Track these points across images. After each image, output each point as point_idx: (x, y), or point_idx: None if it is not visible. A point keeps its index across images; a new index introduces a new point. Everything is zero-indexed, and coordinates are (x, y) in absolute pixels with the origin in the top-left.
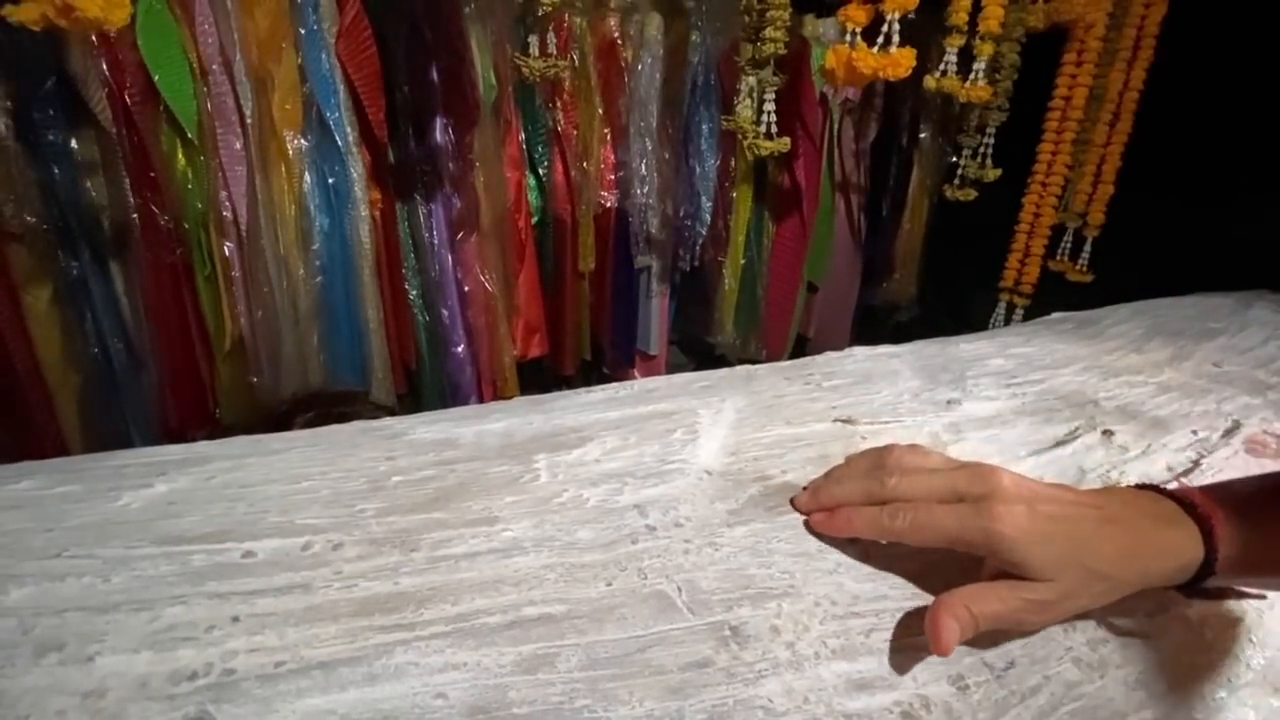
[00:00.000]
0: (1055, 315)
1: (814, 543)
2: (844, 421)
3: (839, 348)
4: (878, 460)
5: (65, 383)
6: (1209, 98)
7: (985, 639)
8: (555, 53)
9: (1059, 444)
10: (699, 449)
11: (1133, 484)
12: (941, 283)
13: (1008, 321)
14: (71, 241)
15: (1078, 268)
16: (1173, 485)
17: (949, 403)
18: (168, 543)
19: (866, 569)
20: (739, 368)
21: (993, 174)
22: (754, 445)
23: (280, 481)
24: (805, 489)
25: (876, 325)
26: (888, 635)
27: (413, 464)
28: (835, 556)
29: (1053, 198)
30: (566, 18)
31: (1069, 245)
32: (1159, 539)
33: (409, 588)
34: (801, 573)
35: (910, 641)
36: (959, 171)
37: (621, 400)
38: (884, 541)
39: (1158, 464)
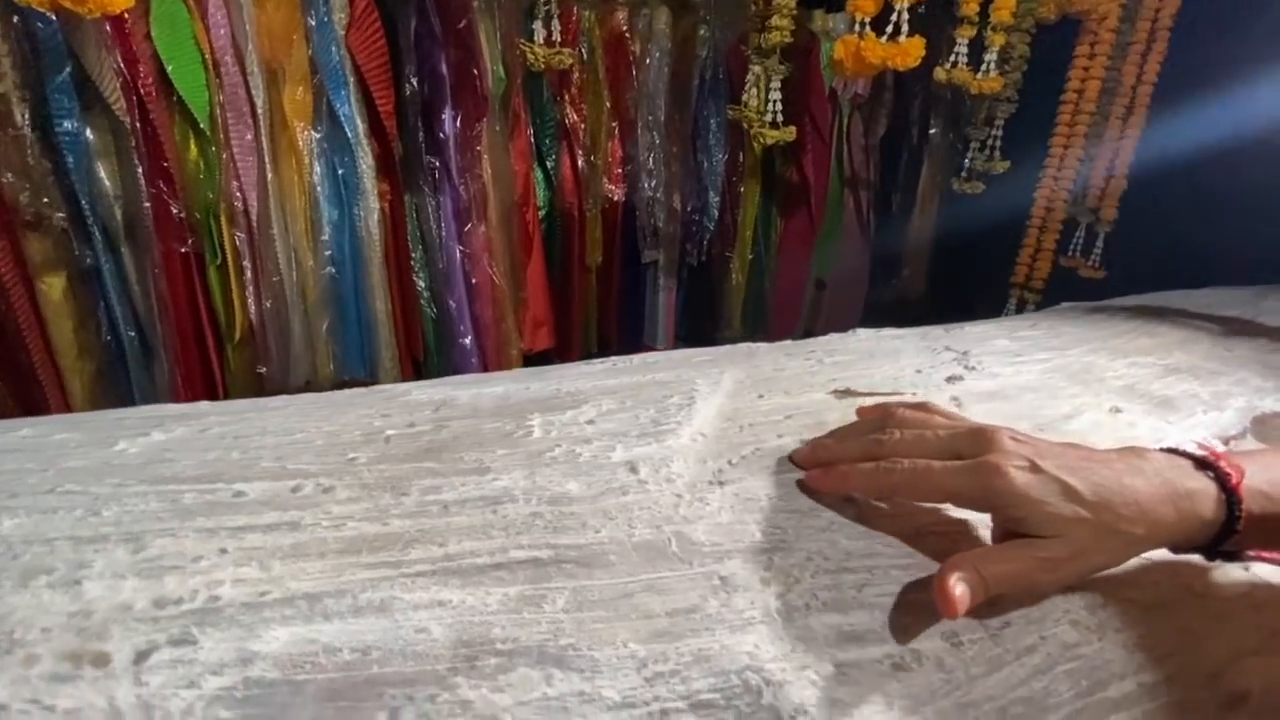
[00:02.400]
0: (1064, 305)
1: (807, 501)
2: (842, 393)
3: None
4: (881, 418)
5: (78, 369)
6: (1223, 91)
7: None
8: (560, 40)
9: (1064, 419)
10: (695, 413)
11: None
12: (951, 279)
13: None
14: (85, 230)
15: (1090, 264)
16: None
17: (950, 378)
18: (160, 482)
19: (860, 528)
20: (741, 345)
21: (1001, 166)
22: (751, 412)
23: (276, 434)
24: (805, 444)
25: (885, 322)
26: (880, 591)
27: (408, 420)
28: (828, 515)
29: (1065, 192)
30: (575, 11)
31: (1081, 241)
32: (1178, 494)
33: (398, 529)
34: (794, 529)
35: (904, 598)
36: (967, 164)
37: (621, 370)
38: (880, 501)
39: (1166, 441)
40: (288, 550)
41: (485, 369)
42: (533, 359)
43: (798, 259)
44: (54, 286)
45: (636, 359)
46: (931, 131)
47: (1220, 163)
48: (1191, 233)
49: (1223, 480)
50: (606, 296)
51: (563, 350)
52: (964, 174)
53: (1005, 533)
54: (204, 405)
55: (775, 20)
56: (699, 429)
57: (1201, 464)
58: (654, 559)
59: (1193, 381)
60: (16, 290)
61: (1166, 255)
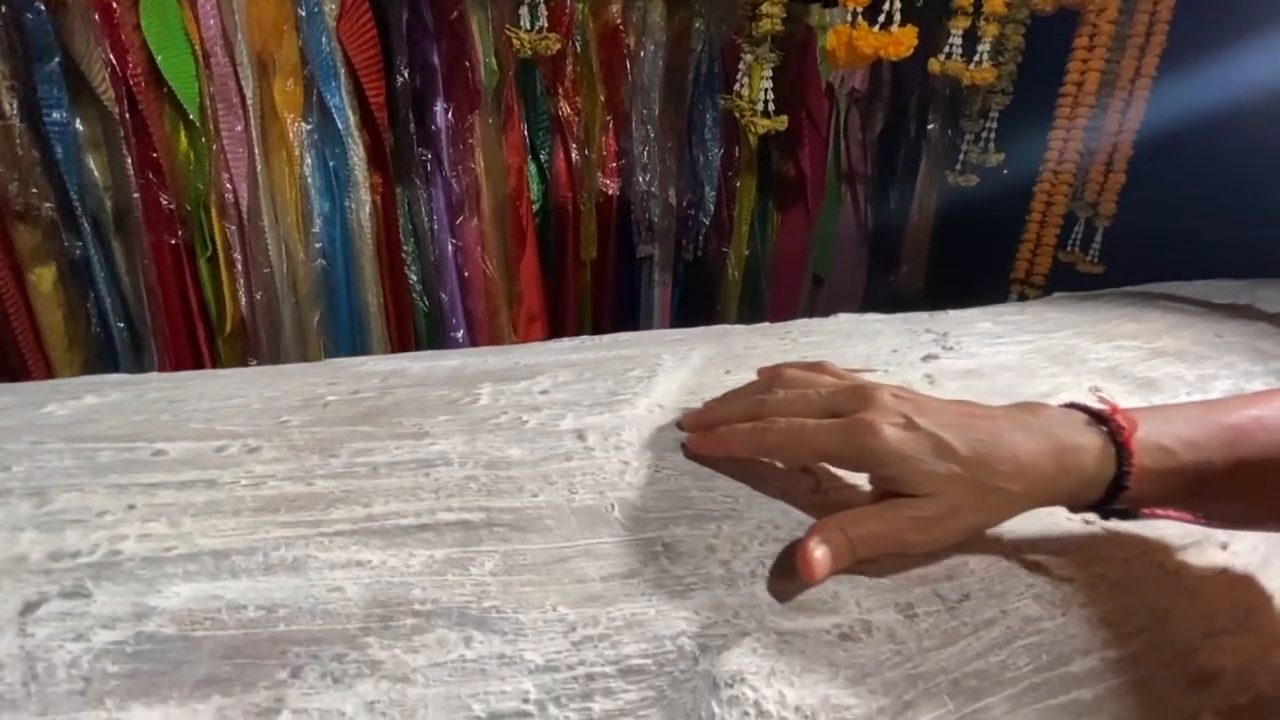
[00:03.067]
0: (1057, 295)
1: (764, 470)
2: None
3: None
4: (770, 378)
5: (68, 361)
6: (1224, 84)
7: (940, 573)
8: (545, 26)
9: (1041, 397)
10: (655, 386)
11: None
12: (951, 275)
13: None
14: (74, 222)
15: (1089, 259)
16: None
17: (926, 357)
18: (78, 440)
19: (816, 498)
20: (717, 326)
21: (995, 158)
22: (715, 387)
23: (213, 399)
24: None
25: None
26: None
27: (353, 388)
28: (783, 483)
29: (1065, 186)
30: (569, 3)
31: (1079, 235)
32: (1062, 450)
33: (322, 489)
34: (745, 497)
35: (858, 568)
36: (961, 157)
37: (588, 347)
38: (762, 459)
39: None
40: (200, 507)
41: None
42: None
43: (794, 254)
44: (43, 277)
45: (607, 337)
46: (930, 127)
47: (1220, 156)
48: (1191, 226)
49: (1115, 434)
50: (601, 291)
51: None
52: (958, 167)
53: (881, 492)
54: (151, 375)
55: (766, 8)
56: (657, 400)
57: (1096, 417)
58: (594, 524)
59: (1178, 364)
60: (6, 281)
61: (1166, 249)
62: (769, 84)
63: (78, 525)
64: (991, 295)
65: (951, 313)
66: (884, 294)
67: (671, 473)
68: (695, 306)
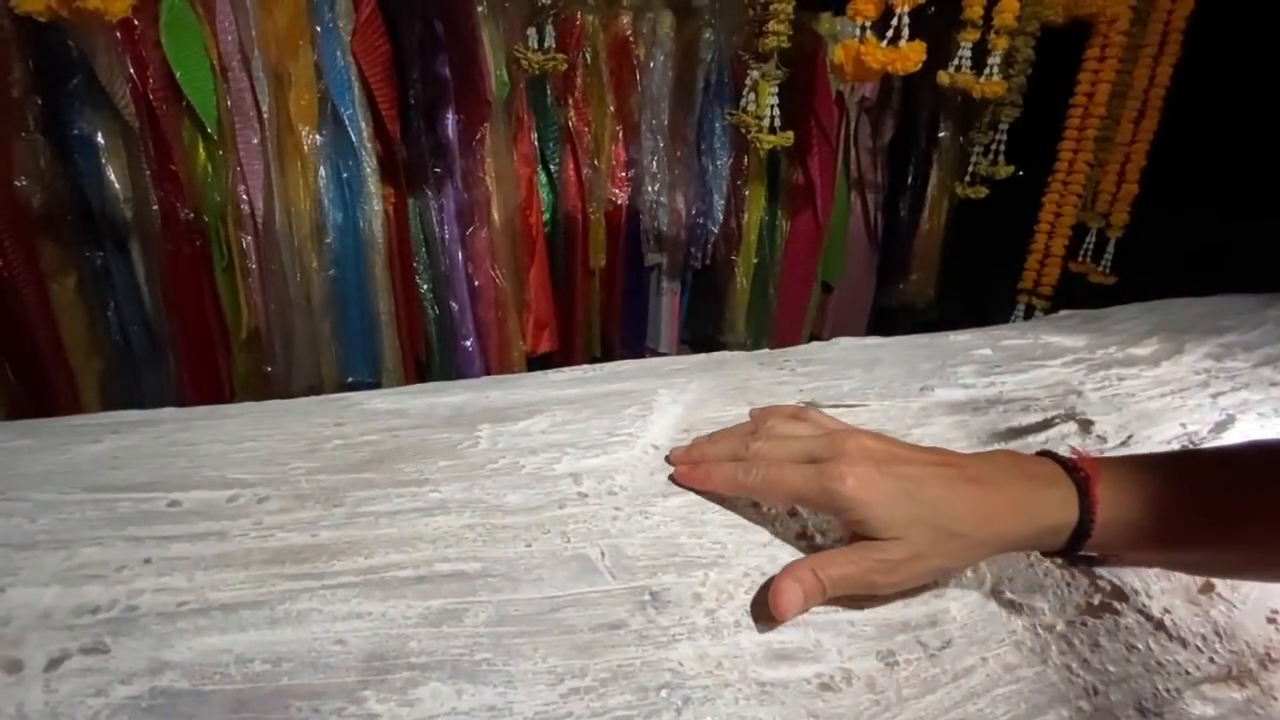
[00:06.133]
0: (1062, 313)
1: (753, 515)
2: (806, 405)
3: None
4: (755, 423)
5: (88, 368)
6: (1237, 95)
7: (923, 618)
8: (554, 46)
9: (1029, 431)
10: (650, 424)
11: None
12: (960, 284)
13: None
14: (95, 232)
15: (1100, 269)
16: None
17: (922, 389)
18: (100, 490)
19: (802, 544)
20: (716, 353)
21: (1005, 171)
22: (709, 425)
23: (225, 441)
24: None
25: (893, 326)
26: (817, 609)
27: (357, 430)
28: (769, 531)
29: (1074, 197)
30: (579, 16)
31: (1091, 246)
32: (1026, 498)
33: (326, 540)
34: (734, 544)
35: (842, 616)
36: (970, 168)
37: (587, 379)
38: (739, 496)
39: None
40: (212, 560)
41: (488, 371)
42: (536, 362)
43: (803, 263)
44: (65, 286)
45: (608, 367)
46: (941, 135)
47: (1233, 166)
48: (1204, 238)
49: (1080, 484)
50: (610, 300)
51: (566, 353)
52: (968, 178)
53: (853, 535)
54: (166, 412)
55: (772, 25)
56: (653, 440)
57: (1063, 466)
58: (584, 574)
59: (1177, 394)
60: (29, 290)
61: (1178, 260)
62: (775, 100)
63: (98, 580)
64: (1002, 304)
65: (952, 336)
66: (893, 302)
67: (662, 519)
68: (703, 314)
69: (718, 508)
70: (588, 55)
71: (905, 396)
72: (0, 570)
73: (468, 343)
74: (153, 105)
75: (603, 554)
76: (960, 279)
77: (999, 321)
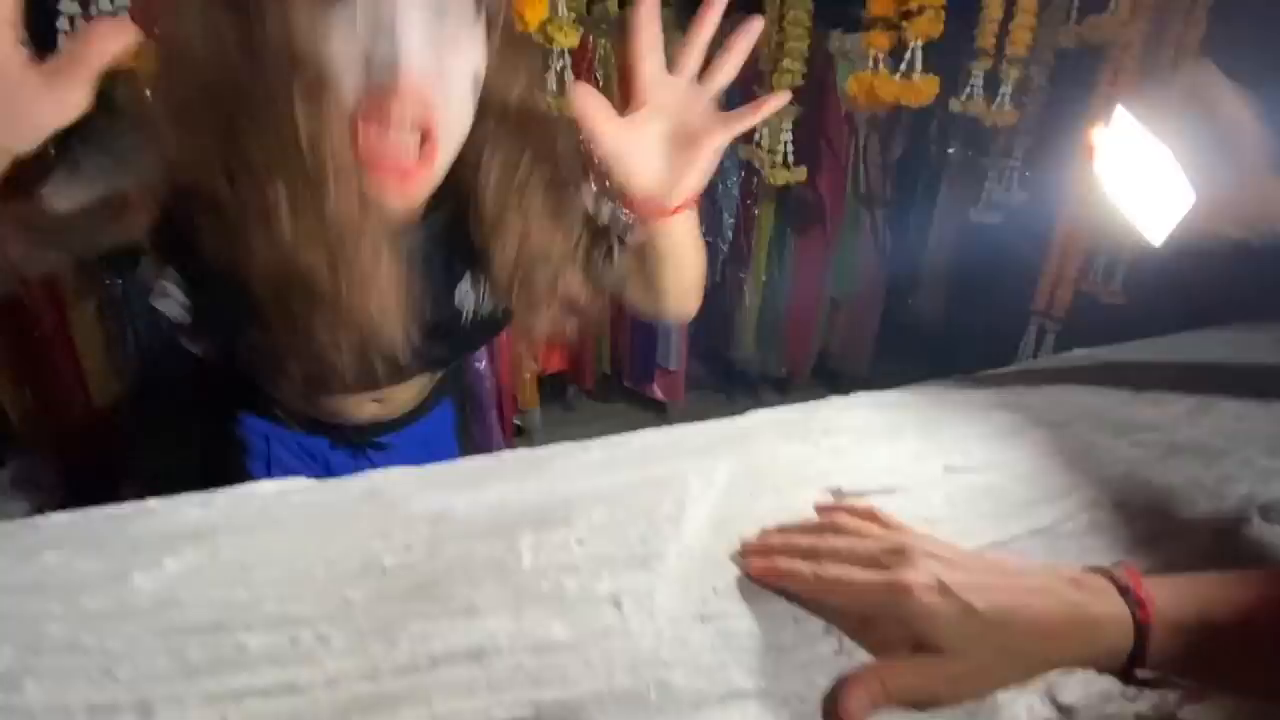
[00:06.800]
0: (1077, 352)
1: (789, 635)
2: (834, 492)
3: (862, 365)
4: (827, 521)
5: (107, 392)
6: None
7: None
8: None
9: (1059, 521)
10: (684, 525)
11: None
12: (970, 301)
13: (1038, 347)
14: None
15: (1111, 290)
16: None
17: (948, 470)
18: (169, 633)
19: (840, 663)
20: (740, 419)
21: (1018, 196)
22: (741, 517)
23: (280, 564)
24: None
25: (902, 343)
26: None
27: (405, 540)
28: (809, 651)
29: (1087, 220)
30: (590, 38)
31: (1103, 267)
32: (1085, 621)
33: (389, 687)
34: (773, 669)
35: None
36: (983, 195)
37: (618, 462)
38: (808, 596)
39: (1159, 543)
40: (286, 716)
41: (499, 391)
42: (546, 379)
43: (813, 279)
44: (84, 312)
45: (635, 443)
46: (950, 151)
47: None
48: (1216, 259)
49: (1134, 608)
50: (619, 318)
51: (576, 373)
52: (981, 205)
53: (917, 644)
54: (214, 516)
55: (787, 63)
56: (688, 544)
57: (1119, 589)
58: (633, 711)
59: (1195, 463)
60: (51, 316)
61: (1190, 281)
62: (789, 135)
63: None
64: (1012, 324)
65: (968, 391)
66: (902, 319)
67: (702, 645)
68: (713, 332)
69: (756, 628)
70: (599, 78)
71: (929, 482)
72: None
73: (479, 364)
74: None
75: (649, 687)
76: (970, 296)
77: (1011, 338)
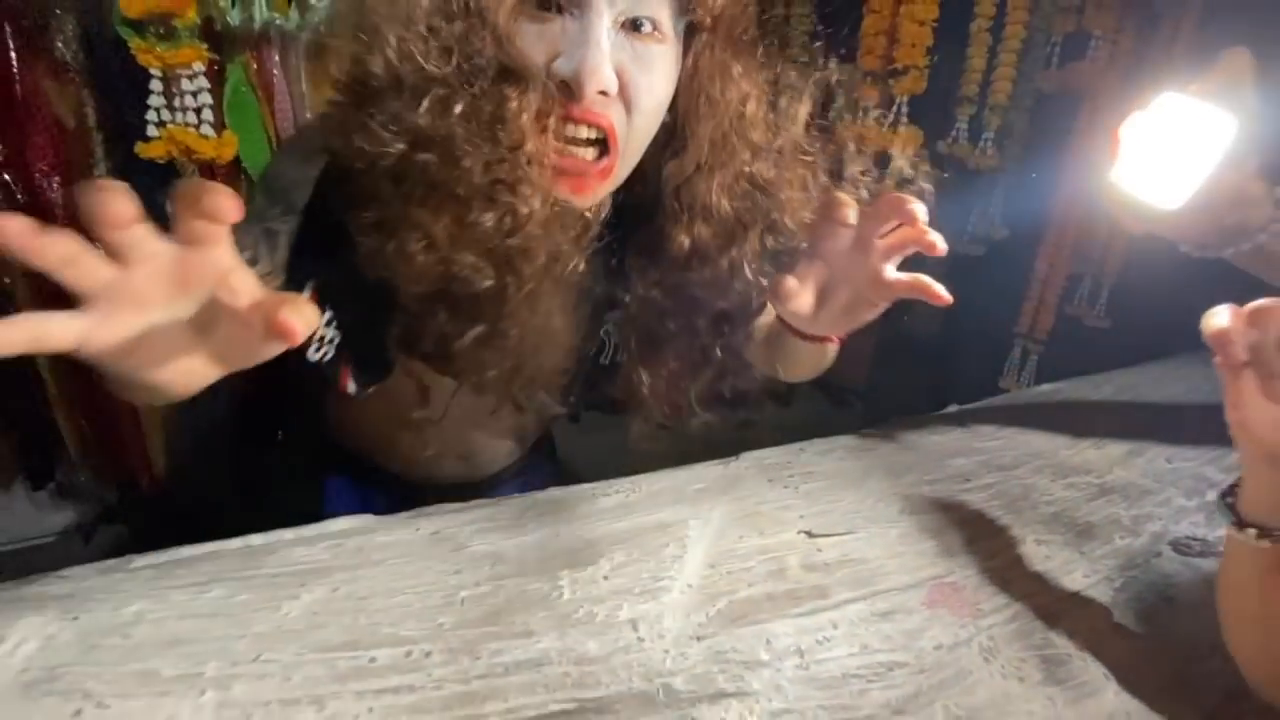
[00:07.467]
0: (1045, 387)
1: (762, 652)
2: (806, 534)
3: (857, 377)
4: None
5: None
6: None
7: None
8: None
9: (1001, 552)
10: (686, 563)
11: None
12: (962, 316)
13: (1023, 368)
14: None
15: (1095, 313)
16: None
17: (901, 511)
18: (322, 650)
19: (806, 673)
20: (732, 465)
21: (999, 232)
22: (729, 557)
23: (382, 595)
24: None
25: (895, 356)
26: None
27: (474, 578)
28: (775, 666)
29: (1067, 250)
30: None
31: (1086, 291)
32: None
33: (476, 688)
34: (750, 676)
35: None
36: (968, 228)
37: (631, 507)
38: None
39: (1074, 576)
40: (409, 707)
41: None
42: None
43: None
44: None
45: (644, 487)
46: (937, 191)
47: None
48: (1197, 281)
49: None
50: None
51: None
52: (966, 237)
53: None
54: (324, 555)
55: None
56: (688, 580)
57: None
58: (646, 707)
59: (1120, 504)
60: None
61: (1172, 305)
62: None
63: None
64: (999, 345)
65: (934, 435)
66: (897, 331)
67: (697, 659)
68: None
69: (738, 648)
70: None
71: (887, 522)
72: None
73: None
74: (215, 175)
75: (659, 690)
76: (962, 311)
77: (999, 353)
